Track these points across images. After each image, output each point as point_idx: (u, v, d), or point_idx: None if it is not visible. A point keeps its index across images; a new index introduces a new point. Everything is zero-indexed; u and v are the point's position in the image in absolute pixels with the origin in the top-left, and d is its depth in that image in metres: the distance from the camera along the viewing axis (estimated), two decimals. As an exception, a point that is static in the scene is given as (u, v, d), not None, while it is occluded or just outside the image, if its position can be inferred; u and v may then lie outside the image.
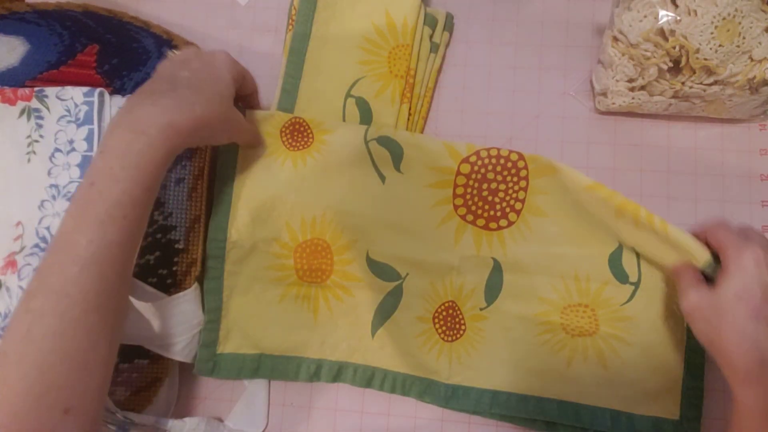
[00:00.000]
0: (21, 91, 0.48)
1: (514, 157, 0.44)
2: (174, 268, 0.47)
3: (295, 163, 0.46)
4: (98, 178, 0.33)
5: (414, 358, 0.45)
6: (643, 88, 0.46)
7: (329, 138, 0.46)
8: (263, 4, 0.55)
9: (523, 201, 0.44)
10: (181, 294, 0.45)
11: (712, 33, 0.41)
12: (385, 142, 0.45)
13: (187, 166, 0.47)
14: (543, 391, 0.43)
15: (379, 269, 0.46)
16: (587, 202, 0.42)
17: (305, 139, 0.46)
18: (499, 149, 0.45)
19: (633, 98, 0.47)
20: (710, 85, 0.44)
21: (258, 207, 0.46)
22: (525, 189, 0.44)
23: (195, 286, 0.46)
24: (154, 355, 0.46)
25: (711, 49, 0.42)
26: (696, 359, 0.43)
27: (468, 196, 0.45)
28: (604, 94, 0.48)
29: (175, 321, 0.45)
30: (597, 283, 0.44)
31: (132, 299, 0.45)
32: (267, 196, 0.46)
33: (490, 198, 0.45)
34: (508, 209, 0.45)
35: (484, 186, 0.45)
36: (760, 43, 0.42)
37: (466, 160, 0.44)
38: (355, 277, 0.46)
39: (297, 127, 0.46)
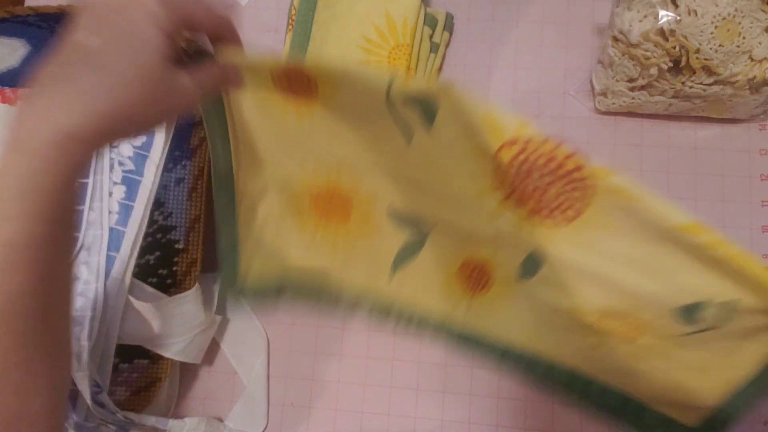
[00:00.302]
0: (21, 92, 0.48)
1: (570, 165, 0.34)
2: (174, 268, 0.47)
3: (300, 117, 0.40)
4: None
5: (432, 300, 0.43)
6: (643, 88, 0.46)
7: (339, 94, 0.38)
8: (263, 4, 0.55)
9: (578, 212, 0.36)
10: (181, 295, 0.45)
11: (712, 33, 0.41)
12: (415, 98, 0.36)
13: (187, 166, 0.47)
14: (558, 359, 0.41)
15: (402, 220, 0.43)
16: (674, 242, 0.34)
17: (308, 91, 0.39)
18: (555, 146, 0.34)
19: (633, 98, 0.46)
20: (710, 85, 0.44)
21: (262, 159, 0.42)
22: (584, 202, 0.36)
23: (196, 287, 0.46)
24: (154, 355, 0.46)
25: (711, 49, 0.42)
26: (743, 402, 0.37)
27: (512, 178, 0.36)
28: (605, 94, 0.48)
29: (176, 321, 0.45)
30: (656, 317, 0.37)
31: (132, 299, 0.46)
32: (270, 151, 0.41)
33: (538, 190, 0.36)
34: (559, 212, 0.37)
35: (534, 175, 0.36)
36: (760, 42, 0.42)
37: (510, 143, 0.35)
38: (376, 225, 0.43)
39: (294, 76, 0.39)
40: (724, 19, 0.41)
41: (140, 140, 0.47)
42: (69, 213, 0.28)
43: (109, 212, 0.47)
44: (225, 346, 0.50)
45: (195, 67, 0.32)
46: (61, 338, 0.30)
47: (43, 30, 0.51)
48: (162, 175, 0.47)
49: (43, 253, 0.27)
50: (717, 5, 0.41)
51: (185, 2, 0.30)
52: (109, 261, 0.46)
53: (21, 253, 0.26)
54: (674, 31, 0.42)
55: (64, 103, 0.26)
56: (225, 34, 0.34)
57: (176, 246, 0.47)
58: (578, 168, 0.35)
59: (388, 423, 0.48)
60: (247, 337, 0.49)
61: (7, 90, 0.48)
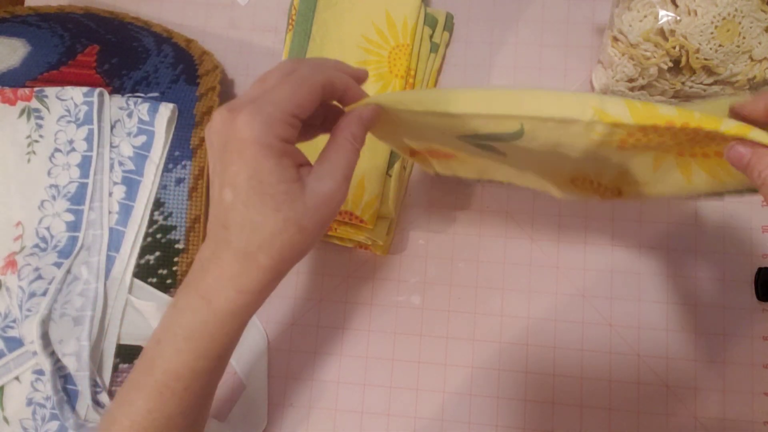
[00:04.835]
0: (21, 91, 0.48)
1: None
2: (174, 269, 0.46)
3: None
4: (164, 339, 0.30)
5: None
6: (643, 88, 0.46)
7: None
8: (263, 4, 0.55)
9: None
10: (181, 294, 0.45)
11: (712, 33, 0.41)
12: (485, 137, 0.32)
13: (187, 166, 0.47)
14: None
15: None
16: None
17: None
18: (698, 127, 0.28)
19: (633, 98, 0.46)
20: (710, 85, 0.44)
21: None
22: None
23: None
24: (154, 355, 0.46)
25: (711, 49, 0.42)
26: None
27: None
28: (604, 94, 0.48)
29: (175, 321, 0.45)
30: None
31: (132, 299, 0.46)
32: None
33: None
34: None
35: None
36: (760, 42, 0.42)
37: (628, 135, 0.30)
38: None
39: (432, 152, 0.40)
40: (724, 19, 0.41)
41: (140, 140, 0.47)
42: (228, 351, 0.32)
43: (109, 212, 0.47)
44: (225, 346, 0.50)
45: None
46: None
47: (43, 30, 0.51)
48: (162, 175, 0.47)
49: (198, 385, 0.31)
50: (717, 5, 0.41)
51: (290, 96, 0.28)
52: (110, 261, 0.46)
53: (182, 383, 0.30)
54: (674, 31, 0.42)
55: (236, 264, 0.28)
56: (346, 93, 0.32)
57: (176, 246, 0.47)
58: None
59: (388, 423, 0.48)
60: (247, 337, 0.49)
61: (7, 90, 0.48)
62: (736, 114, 0.30)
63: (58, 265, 0.45)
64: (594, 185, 0.38)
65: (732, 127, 0.27)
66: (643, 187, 0.36)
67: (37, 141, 0.47)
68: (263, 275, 0.28)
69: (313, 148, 0.33)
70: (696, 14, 0.41)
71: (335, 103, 0.33)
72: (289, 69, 0.29)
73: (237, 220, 0.28)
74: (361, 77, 0.33)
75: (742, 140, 0.28)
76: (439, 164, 0.42)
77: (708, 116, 0.27)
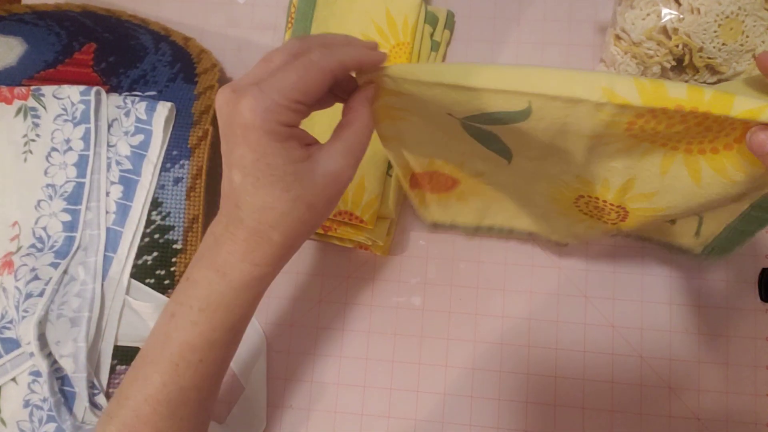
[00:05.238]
0: (17, 90, 0.47)
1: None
2: (172, 269, 0.46)
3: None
4: (178, 312, 0.31)
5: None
6: (645, 86, 0.46)
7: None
8: (262, 1, 0.55)
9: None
10: (179, 295, 0.45)
11: (715, 31, 0.41)
12: (491, 118, 0.31)
13: (185, 166, 0.47)
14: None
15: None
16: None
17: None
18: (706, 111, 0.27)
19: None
20: (714, 83, 0.43)
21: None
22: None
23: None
24: (152, 357, 0.45)
25: (714, 47, 0.41)
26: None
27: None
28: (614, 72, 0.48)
29: (173, 322, 0.45)
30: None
31: (130, 300, 0.45)
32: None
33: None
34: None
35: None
36: (763, 41, 0.42)
37: (636, 117, 0.28)
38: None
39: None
40: (727, 17, 0.41)
41: (138, 139, 0.46)
42: (243, 323, 0.32)
43: (107, 212, 0.46)
44: (224, 347, 0.50)
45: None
46: (206, 421, 0.35)
47: (40, 28, 0.51)
48: (160, 174, 0.47)
49: (215, 355, 0.31)
50: (720, 4, 0.41)
51: (291, 76, 0.27)
52: (107, 261, 0.46)
53: (197, 354, 0.30)
54: (677, 29, 0.41)
55: (249, 245, 0.29)
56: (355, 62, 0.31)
57: (174, 246, 0.46)
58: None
59: (388, 425, 0.47)
60: (246, 339, 0.48)
61: (4, 88, 0.47)
62: (760, 63, 0.29)
63: (54, 265, 0.45)
64: (600, 205, 0.38)
65: (743, 110, 0.26)
66: (652, 200, 0.35)
67: (33, 140, 0.47)
68: (276, 250, 0.29)
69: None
70: (699, 12, 0.41)
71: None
72: (296, 49, 0.29)
73: (248, 200, 0.28)
74: (375, 54, 0.31)
75: (764, 126, 0.26)
76: (438, 203, 0.42)
77: (719, 96, 0.26)
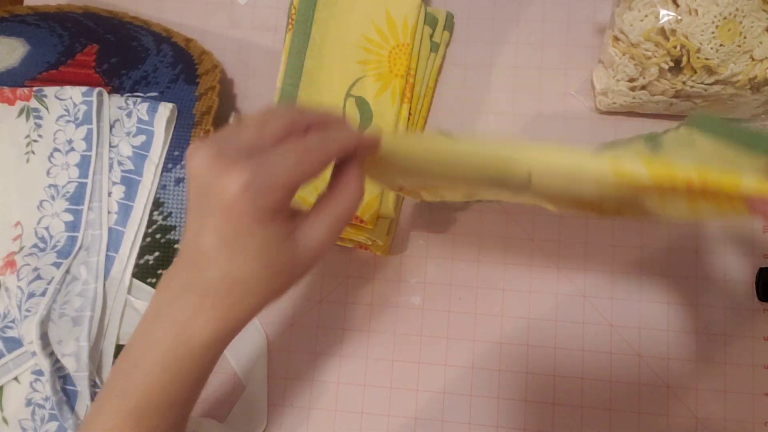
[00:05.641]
0: (20, 91, 0.47)
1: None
2: (173, 269, 0.46)
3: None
4: (139, 365, 0.28)
5: None
6: (644, 87, 0.46)
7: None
8: (263, 2, 0.55)
9: None
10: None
11: (713, 32, 0.41)
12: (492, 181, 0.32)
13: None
14: None
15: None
16: None
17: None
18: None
19: (634, 98, 0.46)
20: (711, 84, 0.44)
21: None
22: None
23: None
24: (154, 356, 0.46)
25: (712, 48, 0.42)
26: None
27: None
28: (605, 94, 0.48)
29: (175, 321, 0.45)
30: None
31: (131, 299, 0.45)
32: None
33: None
34: None
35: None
36: (761, 42, 0.42)
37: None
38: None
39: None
40: (725, 18, 0.41)
41: (139, 140, 0.47)
42: (203, 380, 0.31)
43: (109, 212, 0.47)
44: (224, 346, 0.50)
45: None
46: None
47: (42, 29, 0.51)
48: (161, 174, 0.47)
49: (171, 415, 0.29)
50: (718, 5, 0.41)
51: (281, 161, 0.25)
52: (109, 261, 0.46)
53: (155, 413, 0.28)
54: (675, 30, 0.42)
55: (214, 312, 0.27)
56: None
57: (176, 246, 0.47)
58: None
59: (388, 423, 0.47)
60: (247, 338, 0.49)
61: (6, 89, 0.48)
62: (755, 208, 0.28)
63: (57, 265, 0.45)
64: (594, 206, 0.37)
65: (752, 187, 0.26)
66: (646, 213, 0.35)
67: (36, 141, 0.47)
68: (243, 315, 0.28)
69: None
70: (697, 13, 0.41)
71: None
72: (291, 123, 0.27)
73: (217, 273, 0.26)
74: (370, 139, 0.30)
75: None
76: (427, 193, 0.41)
77: (726, 175, 0.26)
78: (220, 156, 0.25)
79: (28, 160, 0.47)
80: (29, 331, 0.43)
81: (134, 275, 0.46)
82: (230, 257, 0.26)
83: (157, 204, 0.47)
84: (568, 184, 0.29)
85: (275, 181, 0.25)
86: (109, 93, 0.48)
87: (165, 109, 0.47)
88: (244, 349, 0.49)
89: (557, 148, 0.28)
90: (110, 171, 0.47)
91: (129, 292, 0.46)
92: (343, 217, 0.29)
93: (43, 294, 0.44)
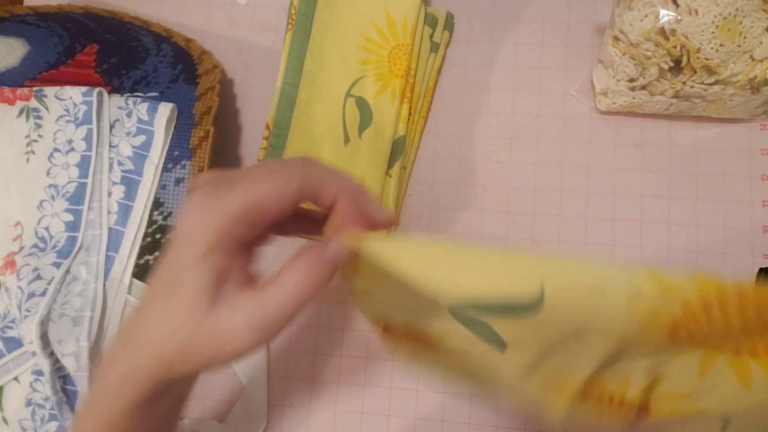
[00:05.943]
0: (20, 91, 0.47)
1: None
2: (173, 269, 0.46)
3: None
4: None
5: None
6: (643, 87, 0.46)
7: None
8: (263, 3, 0.55)
9: None
10: (180, 294, 0.45)
11: (713, 32, 0.41)
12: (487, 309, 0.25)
13: (186, 166, 0.47)
14: None
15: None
16: None
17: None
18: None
19: (634, 98, 0.46)
20: (711, 84, 0.44)
21: None
22: None
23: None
24: (154, 356, 0.46)
25: (712, 48, 0.42)
26: None
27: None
28: (605, 94, 0.48)
29: (175, 321, 0.45)
30: None
31: (131, 299, 0.45)
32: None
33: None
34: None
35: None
36: (761, 42, 0.42)
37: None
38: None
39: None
40: (725, 18, 0.41)
41: (139, 140, 0.47)
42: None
43: (109, 212, 0.47)
44: (224, 346, 0.50)
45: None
46: None
47: (42, 29, 0.51)
48: (161, 174, 0.47)
49: None
50: (718, 5, 0.41)
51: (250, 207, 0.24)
52: (109, 261, 0.46)
53: None
54: (675, 30, 0.42)
55: (123, 358, 0.26)
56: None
57: (176, 246, 0.46)
58: None
59: (388, 423, 0.47)
60: (247, 338, 0.49)
61: (6, 89, 0.48)
62: None
63: (57, 265, 0.45)
64: (614, 403, 0.30)
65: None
66: (682, 402, 0.29)
67: (36, 141, 0.47)
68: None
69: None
70: (697, 13, 0.41)
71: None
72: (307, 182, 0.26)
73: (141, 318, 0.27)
74: (381, 220, 0.27)
75: None
76: (411, 351, 0.34)
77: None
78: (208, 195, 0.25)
79: (28, 160, 0.47)
80: (29, 331, 0.43)
81: (134, 275, 0.46)
82: (161, 300, 0.26)
83: (157, 204, 0.47)
84: (590, 306, 0.23)
85: (224, 206, 0.24)
86: (109, 93, 0.48)
87: (165, 109, 0.47)
88: (244, 349, 0.49)
89: (576, 260, 0.23)
90: (110, 171, 0.47)
91: (129, 292, 0.46)
92: (276, 321, 0.24)
93: (43, 294, 0.44)
